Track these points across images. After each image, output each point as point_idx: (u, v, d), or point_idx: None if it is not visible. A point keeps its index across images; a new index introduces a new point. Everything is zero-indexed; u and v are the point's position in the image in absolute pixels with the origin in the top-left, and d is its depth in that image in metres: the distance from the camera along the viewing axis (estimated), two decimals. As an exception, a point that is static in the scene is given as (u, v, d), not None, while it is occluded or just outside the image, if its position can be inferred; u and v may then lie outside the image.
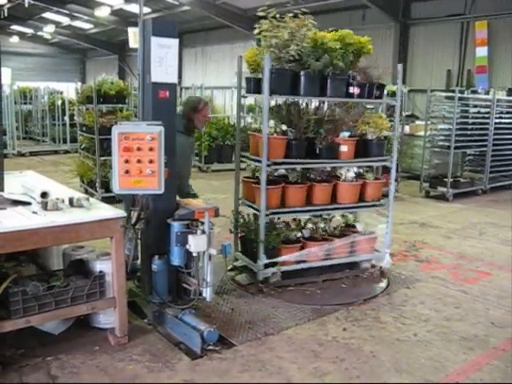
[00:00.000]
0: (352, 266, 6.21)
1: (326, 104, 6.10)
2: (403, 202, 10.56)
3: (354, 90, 5.67)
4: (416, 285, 5.95)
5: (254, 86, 5.75)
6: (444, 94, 11.96)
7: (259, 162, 5.53)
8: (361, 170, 6.21)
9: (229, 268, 5.86)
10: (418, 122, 14.04)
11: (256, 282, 5.66)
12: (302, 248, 5.84)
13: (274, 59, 5.43)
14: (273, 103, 6.03)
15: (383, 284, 5.94)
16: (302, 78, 5.47)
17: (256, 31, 5.55)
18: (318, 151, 5.72)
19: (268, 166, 5.46)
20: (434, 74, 16.56)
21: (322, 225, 6.17)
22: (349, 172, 5.97)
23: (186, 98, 6.12)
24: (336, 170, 6.17)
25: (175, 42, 4.47)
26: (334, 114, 6.04)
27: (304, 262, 5.84)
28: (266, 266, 5.64)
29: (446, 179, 10.86)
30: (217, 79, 23.06)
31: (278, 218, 5.99)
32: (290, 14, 5.56)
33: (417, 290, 5.81)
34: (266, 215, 5.56)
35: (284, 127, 5.65)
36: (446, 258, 7.01)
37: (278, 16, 5.49)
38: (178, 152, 4.71)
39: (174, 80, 4.57)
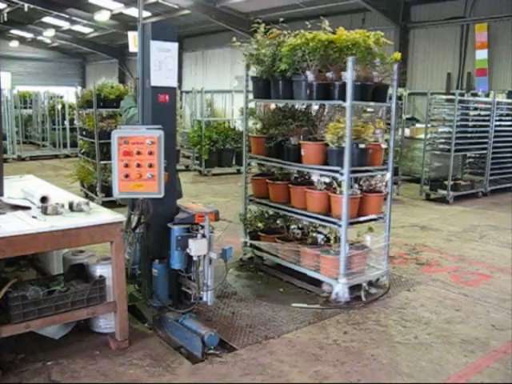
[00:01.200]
0: (317, 282, 5.70)
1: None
2: (403, 205, 10.56)
3: (307, 91, 5.43)
4: (416, 288, 5.94)
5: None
6: (444, 97, 12.00)
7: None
8: (326, 180, 5.61)
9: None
10: (418, 125, 14.03)
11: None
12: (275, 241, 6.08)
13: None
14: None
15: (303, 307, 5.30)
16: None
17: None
18: (285, 152, 5.84)
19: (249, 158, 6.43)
20: (434, 77, 16.57)
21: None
22: (315, 178, 5.71)
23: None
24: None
25: (174, 45, 4.48)
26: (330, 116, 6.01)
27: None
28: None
29: (446, 182, 10.85)
30: (217, 83, 23.06)
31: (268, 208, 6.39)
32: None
33: (417, 292, 5.80)
34: (248, 200, 6.41)
35: (258, 126, 6.20)
36: (446, 260, 7.00)
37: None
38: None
39: (174, 84, 4.58)
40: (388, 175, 5.65)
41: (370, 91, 5.42)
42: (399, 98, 11.99)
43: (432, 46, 16.62)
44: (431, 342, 4.60)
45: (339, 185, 5.41)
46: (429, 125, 11.40)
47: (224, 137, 14.32)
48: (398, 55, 5.57)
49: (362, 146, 5.30)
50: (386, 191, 5.72)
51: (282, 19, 5.86)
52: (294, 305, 5.33)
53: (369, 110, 6.68)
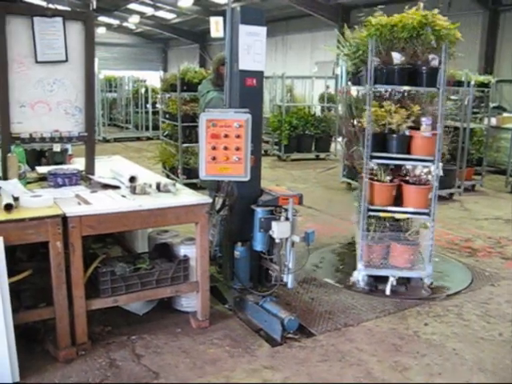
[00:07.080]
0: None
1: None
2: (487, 197, 10.20)
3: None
4: (501, 283, 5.72)
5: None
6: (536, 85, 11.43)
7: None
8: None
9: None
10: (505, 114, 13.45)
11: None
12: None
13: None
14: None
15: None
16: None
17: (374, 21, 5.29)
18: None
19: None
20: (526, 64, 15.80)
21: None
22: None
23: (215, 57, 6.07)
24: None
25: (263, 29, 4.47)
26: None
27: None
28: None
29: (535, 174, 10.37)
30: (297, 68, 22.95)
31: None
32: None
33: (502, 288, 5.59)
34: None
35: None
36: (534, 256, 6.71)
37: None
38: (219, 106, 4.89)
39: (262, 68, 4.58)
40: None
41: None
42: (486, 85, 11.54)
43: (524, 30, 15.84)
44: (517, 341, 4.43)
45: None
46: (517, 114, 10.90)
47: (304, 122, 14.28)
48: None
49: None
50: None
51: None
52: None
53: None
